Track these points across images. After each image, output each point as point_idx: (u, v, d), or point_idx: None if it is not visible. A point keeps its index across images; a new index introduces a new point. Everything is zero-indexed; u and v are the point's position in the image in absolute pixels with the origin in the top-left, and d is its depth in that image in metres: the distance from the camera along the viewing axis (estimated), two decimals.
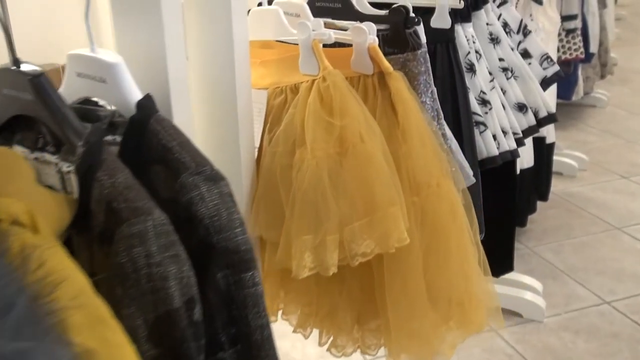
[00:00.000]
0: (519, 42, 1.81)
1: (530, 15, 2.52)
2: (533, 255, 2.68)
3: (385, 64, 1.12)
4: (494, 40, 1.74)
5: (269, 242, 1.09)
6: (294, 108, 1.07)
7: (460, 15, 1.62)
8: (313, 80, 1.07)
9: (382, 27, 1.34)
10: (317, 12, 1.38)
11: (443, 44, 1.57)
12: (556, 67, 1.83)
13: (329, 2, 1.35)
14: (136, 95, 0.83)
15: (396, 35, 1.30)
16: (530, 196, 2.71)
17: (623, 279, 2.50)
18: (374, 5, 1.46)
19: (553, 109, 1.77)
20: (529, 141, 2.56)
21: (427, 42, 1.56)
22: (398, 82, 1.11)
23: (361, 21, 1.35)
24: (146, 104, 0.82)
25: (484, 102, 1.64)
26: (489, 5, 1.76)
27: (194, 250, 0.76)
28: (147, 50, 0.92)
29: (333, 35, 1.07)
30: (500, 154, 1.65)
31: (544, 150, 2.71)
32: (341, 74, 1.06)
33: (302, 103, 1.05)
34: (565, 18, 3.43)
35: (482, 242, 2.03)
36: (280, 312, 1.34)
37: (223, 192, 0.77)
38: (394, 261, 1.09)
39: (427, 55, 1.35)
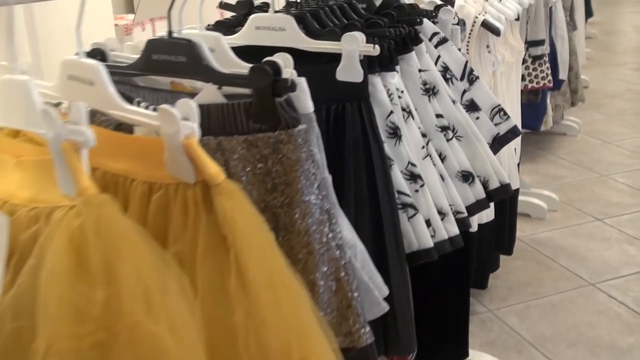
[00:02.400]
0: (464, 92, 1.34)
1: (488, 46, 2.06)
2: (495, 320, 2.21)
3: (210, 170, 0.65)
4: (430, 90, 1.27)
5: None
6: (35, 257, 0.60)
7: (379, 63, 1.16)
8: (71, 207, 0.60)
9: (247, 91, 0.87)
10: (153, 68, 0.91)
11: (354, 103, 1.10)
12: (511, 123, 1.37)
13: (170, 53, 0.88)
14: None
15: (262, 105, 0.84)
16: (492, 253, 2.25)
17: (599, 353, 2.04)
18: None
19: (506, 179, 1.30)
20: None
21: (333, 101, 1.11)
22: (231, 200, 0.64)
23: (215, 83, 0.88)
24: None
25: (413, 177, 1.17)
26: (423, 46, 1.29)
27: None
28: None
29: (92, 139, 0.59)
30: (435, 244, 1.18)
31: (506, 199, 2.25)
32: (112, 203, 0.58)
33: (46, 249, 0.58)
34: (531, 43, 2.99)
35: (431, 327, 1.59)
36: None
37: None
38: None
39: (311, 134, 0.88)
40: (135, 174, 0.71)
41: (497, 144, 1.37)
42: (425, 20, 1.33)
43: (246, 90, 0.87)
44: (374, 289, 0.92)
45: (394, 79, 1.18)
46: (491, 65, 2.06)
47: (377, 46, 1.08)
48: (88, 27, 0.88)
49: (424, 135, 1.23)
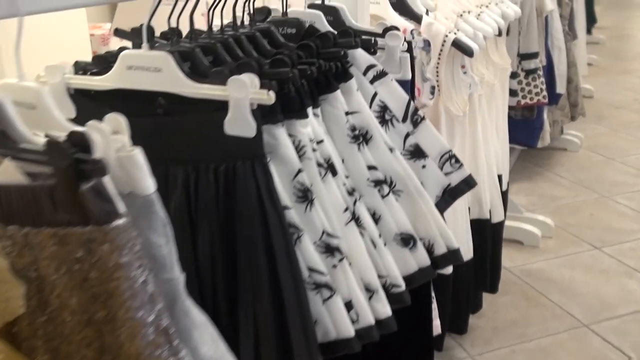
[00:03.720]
0: (407, 135, 1.09)
1: (463, 66, 1.81)
2: None
3: None
4: (360, 137, 1.02)
5: None
6: None
7: (286, 109, 0.91)
8: None
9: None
10: None
11: (246, 163, 0.86)
12: (464, 172, 1.11)
13: None
14: None
15: (65, 192, 0.60)
16: (470, 294, 1.99)
17: None
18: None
19: (455, 243, 1.05)
20: (466, 224, 1.85)
21: (222, 160, 0.87)
22: None
23: (12, 157, 0.64)
24: None
25: (329, 250, 0.92)
26: (353, 82, 1.04)
27: None
28: None
29: None
30: (358, 332, 0.93)
31: (487, 234, 1.99)
32: None
33: None
34: (524, 57, 2.72)
35: None
36: None
37: None
38: None
39: (152, 221, 0.64)
40: None
41: (448, 196, 1.11)
42: (358, 50, 1.08)
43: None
44: None
45: (307, 127, 0.93)
46: (467, 88, 1.80)
47: (271, 93, 0.83)
48: (61, 37, 0.68)
49: (350, 193, 0.99)
